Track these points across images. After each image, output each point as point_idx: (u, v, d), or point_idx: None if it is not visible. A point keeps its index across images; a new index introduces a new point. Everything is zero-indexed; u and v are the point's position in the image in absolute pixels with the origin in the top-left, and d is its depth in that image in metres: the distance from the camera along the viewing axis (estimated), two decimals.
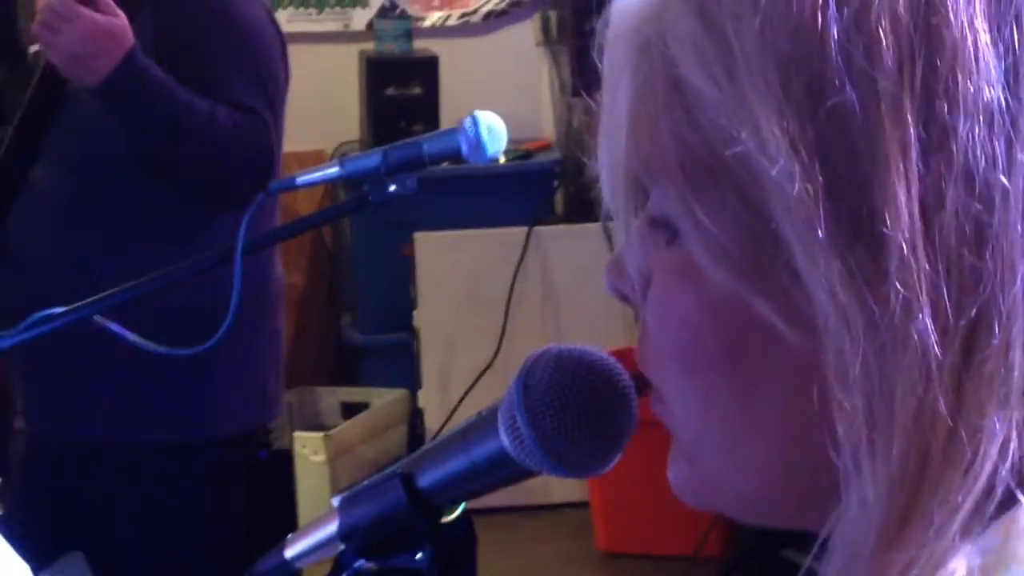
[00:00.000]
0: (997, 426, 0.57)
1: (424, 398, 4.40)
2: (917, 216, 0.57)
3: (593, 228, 4.38)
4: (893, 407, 0.58)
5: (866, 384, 0.58)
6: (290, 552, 0.90)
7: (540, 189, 4.63)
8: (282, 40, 2.71)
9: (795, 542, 3.14)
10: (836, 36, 0.58)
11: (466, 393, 4.34)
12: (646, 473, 3.91)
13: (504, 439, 0.79)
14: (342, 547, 0.87)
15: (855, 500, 0.58)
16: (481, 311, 4.43)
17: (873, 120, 0.58)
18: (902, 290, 0.57)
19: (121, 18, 2.40)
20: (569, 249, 4.44)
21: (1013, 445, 0.57)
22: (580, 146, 4.60)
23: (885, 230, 0.57)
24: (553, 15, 4.90)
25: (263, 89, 2.55)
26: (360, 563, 0.86)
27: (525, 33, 4.95)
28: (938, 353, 0.57)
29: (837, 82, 0.58)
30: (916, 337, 0.57)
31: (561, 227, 4.55)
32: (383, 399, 4.17)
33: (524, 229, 4.44)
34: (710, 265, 0.63)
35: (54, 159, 2.63)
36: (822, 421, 0.60)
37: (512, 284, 4.43)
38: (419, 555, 0.85)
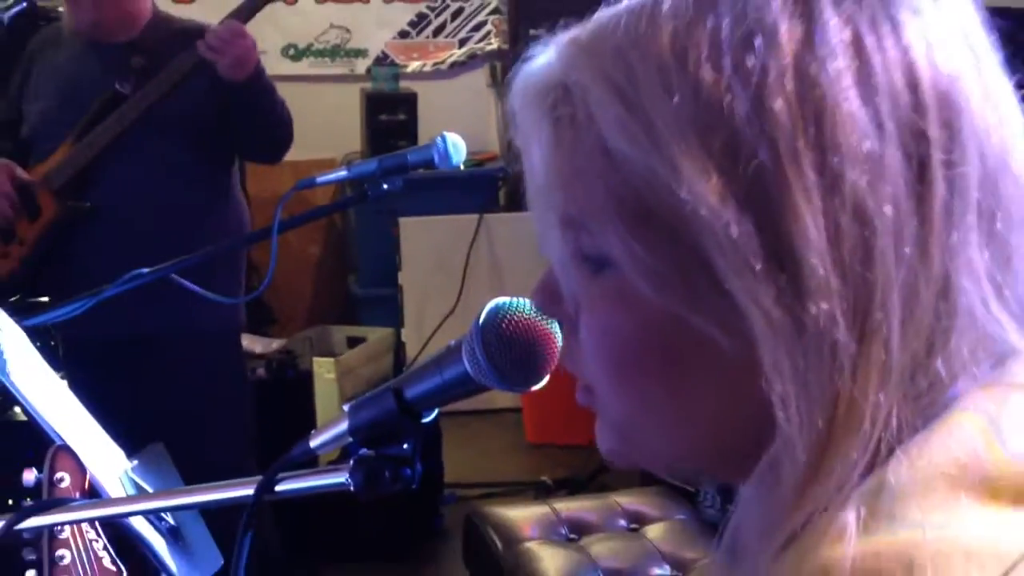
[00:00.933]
0: (882, 400, 0.54)
1: (405, 335, 4.38)
2: (824, 245, 0.53)
3: (523, 216, 4.37)
4: (813, 391, 0.54)
5: (795, 375, 0.54)
6: (313, 443, 0.88)
7: (488, 188, 4.61)
8: None
9: None
10: (742, 112, 0.54)
11: (434, 332, 4.33)
12: (562, 383, 3.92)
13: (466, 364, 0.78)
14: (350, 440, 0.86)
15: (786, 456, 0.55)
16: (446, 273, 4.41)
17: (781, 173, 0.53)
18: (820, 303, 0.53)
19: (253, 39, 2.52)
20: (509, 230, 4.42)
21: (893, 415, 0.54)
22: (516, 157, 4.58)
23: (802, 258, 0.53)
24: (499, 64, 4.88)
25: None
26: (363, 451, 0.85)
27: (479, 77, 4.92)
28: (843, 348, 0.54)
29: (749, 146, 0.54)
30: (829, 338, 0.54)
31: (503, 214, 4.54)
32: (376, 335, 4.15)
33: (476, 216, 4.42)
34: (650, 292, 0.57)
35: (139, 143, 2.60)
36: (749, 404, 0.56)
37: (468, 254, 4.42)
38: (405, 445, 0.84)
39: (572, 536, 2.33)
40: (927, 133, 0.54)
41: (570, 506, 2.43)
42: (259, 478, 0.91)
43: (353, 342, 4.09)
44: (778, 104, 0.53)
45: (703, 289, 0.55)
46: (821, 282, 0.53)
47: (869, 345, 0.53)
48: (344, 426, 0.85)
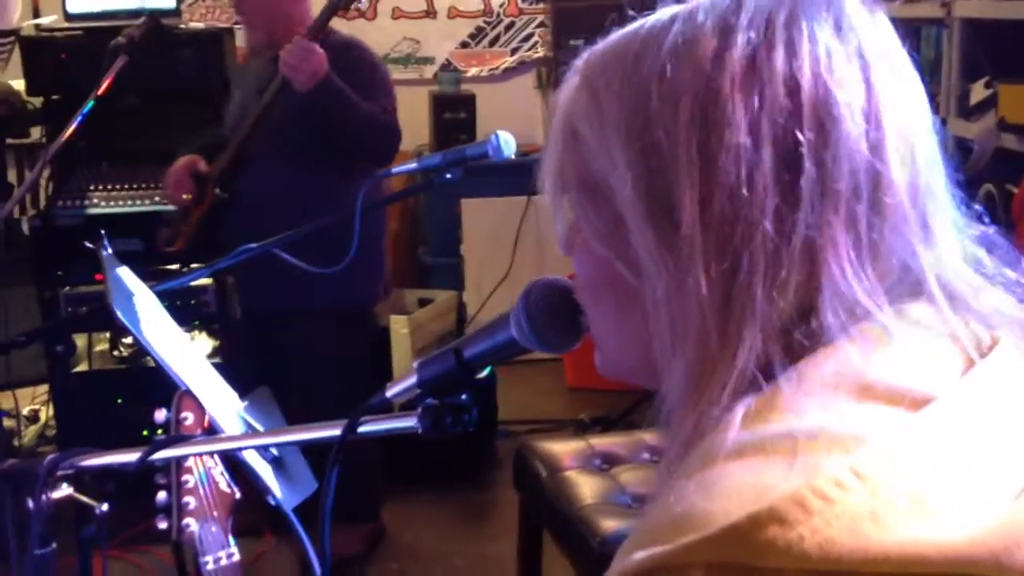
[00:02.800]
0: (748, 335, 0.56)
1: (466, 297, 4.38)
2: (696, 207, 0.57)
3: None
4: (685, 324, 0.58)
5: (668, 309, 0.58)
6: (388, 393, 0.90)
7: (534, 174, 4.58)
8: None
9: None
10: (656, 104, 0.58)
11: (490, 294, 4.35)
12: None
13: (513, 330, 0.80)
14: (418, 391, 0.87)
15: (668, 376, 0.60)
16: (500, 245, 4.40)
17: (673, 151, 0.58)
18: (685, 250, 0.57)
19: (323, 52, 2.47)
20: (551, 211, 4.41)
21: (758, 348, 0.56)
22: None
23: (679, 216, 0.58)
24: (544, 69, 4.84)
25: (395, 107, 2.66)
26: (429, 400, 0.86)
27: (528, 81, 4.87)
28: (706, 291, 0.57)
29: (652, 130, 0.58)
30: (695, 279, 0.57)
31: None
32: (442, 297, 4.16)
33: (525, 198, 4.39)
34: (592, 241, 0.64)
35: (268, 142, 2.63)
36: (649, 331, 0.61)
37: (518, 230, 4.40)
38: (464, 396, 0.86)
39: (604, 466, 2.34)
40: (799, 136, 0.56)
41: (603, 441, 2.44)
42: (345, 421, 0.93)
43: (423, 303, 4.11)
44: (682, 101, 0.57)
45: (621, 240, 0.61)
46: (689, 235, 0.57)
47: (735, 291, 0.57)
48: (413, 380, 0.87)
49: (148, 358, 3.47)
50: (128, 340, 3.47)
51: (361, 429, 0.92)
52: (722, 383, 0.56)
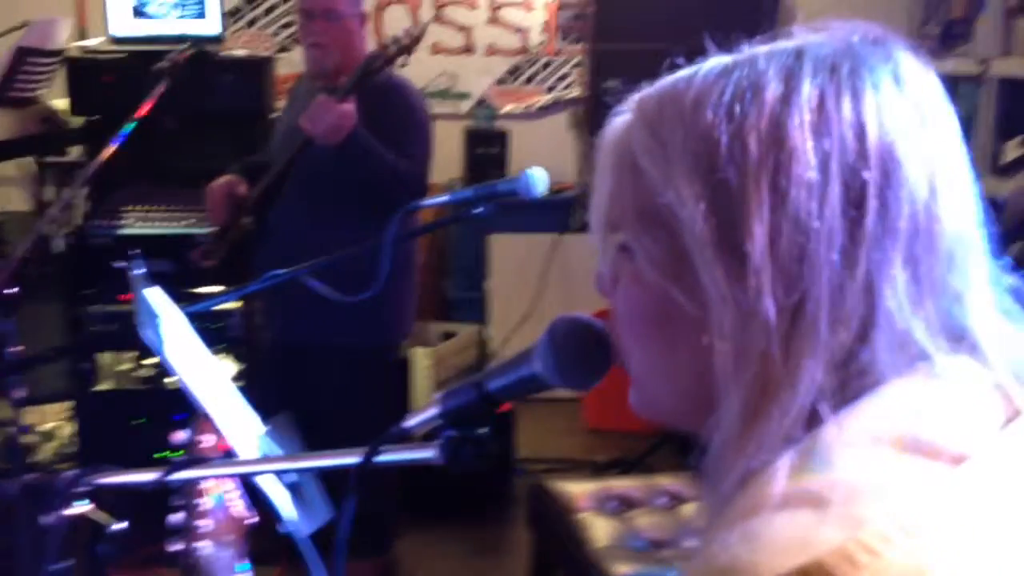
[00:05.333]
0: (811, 366, 0.58)
1: (489, 332, 4.38)
2: (766, 243, 0.59)
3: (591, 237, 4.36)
4: (749, 353, 0.59)
5: (734, 338, 0.59)
6: (409, 424, 0.90)
7: (564, 212, 4.60)
8: (430, 118, 2.74)
9: None
10: (724, 141, 0.61)
11: (514, 330, 4.32)
12: (616, 379, 3.91)
13: (537, 365, 0.79)
14: (440, 422, 0.87)
15: (724, 410, 0.60)
16: (525, 282, 4.40)
17: (742, 186, 0.60)
18: (753, 281, 0.59)
19: (352, 107, 2.44)
20: (579, 248, 4.41)
21: (819, 380, 0.58)
22: (587, 188, 4.57)
23: (748, 251, 0.59)
24: (579, 110, 4.86)
25: (426, 153, 2.60)
26: (449, 431, 0.86)
27: (562, 120, 4.88)
28: (774, 321, 0.58)
29: (723, 166, 0.60)
30: (763, 311, 0.59)
31: (575, 235, 4.51)
32: (465, 331, 4.16)
33: (553, 235, 4.41)
34: (648, 271, 0.65)
35: (298, 182, 2.65)
36: (706, 362, 0.61)
37: (545, 267, 4.41)
38: (485, 429, 0.85)
39: (620, 509, 2.32)
40: (865, 175, 0.59)
41: (619, 484, 2.42)
42: (365, 449, 0.93)
43: (446, 336, 4.12)
44: (752, 140, 0.60)
45: (683, 270, 0.62)
46: (758, 269, 0.58)
47: (800, 324, 0.58)
48: (436, 410, 0.87)
49: (170, 379, 3.49)
50: (151, 361, 3.50)
51: (380, 457, 0.92)
52: (782, 412, 0.58)
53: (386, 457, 0.92)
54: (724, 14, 4.21)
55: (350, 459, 0.95)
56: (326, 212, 2.65)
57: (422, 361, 3.82)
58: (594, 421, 4.16)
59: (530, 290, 4.39)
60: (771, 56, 0.63)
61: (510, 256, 4.44)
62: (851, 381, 0.58)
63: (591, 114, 4.71)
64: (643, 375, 0.69)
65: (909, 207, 0.60)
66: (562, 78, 4.91)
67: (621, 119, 0.69)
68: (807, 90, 0.60)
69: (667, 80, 0.67)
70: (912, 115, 0.62)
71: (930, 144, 0.62)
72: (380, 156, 2.52)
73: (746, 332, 0.59)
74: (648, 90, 0.68)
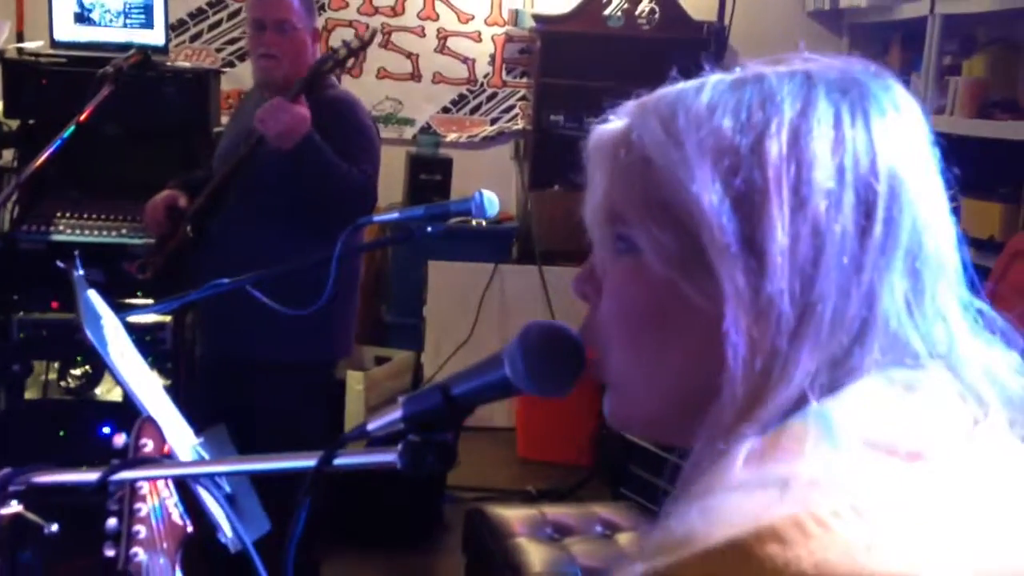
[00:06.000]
0: (808, 363, 0.61)
1: (424, 358, 4.36)
2: (786, 243, 0.62)
3: (531, 268, 4.40)
4: (757, 343, 0.61)
5: (748, 331, 0.61)
6: (370, 427, 0.87)
7: (504, 243, 4.62)
8: (379, 137, 2.72)
9: (639, 459, 3.15)
10: (745, 147, 0.64)
11: (449, 358, 4.34)
12: (550, 409, 3.89)
13: (506, 369, 0.77)
14: (402, 426, 0.85)
15: (728, 395, 0.62)
16: (463, 310, 4.40)
17: (764, 189, 0.63)
18: (774, 283, 0.61)
19: (306, 111, 2.42)
20: (518, 279, 4.44)
21: (812, 375, 0.61)
22: (528, 219, 4.61)
23: (767, 250, 0.62)
24: (521, 142, 4.92)
25: (376, 169, 2.59)
26: (412, 436, 0.84)
27: (505, 151, 4.94)
28: (785, 319, 0.61)
29: (747, 169, 0.63)
30: (776, 309, 0.61)
31: (514, 266, 4.54)
32: (400, 356, 4.14)
33: (492, 264, 4.42)
34: (657, 263, 0.66)
35: (243, 190, 2.62)
36: (711, 358, 0.63)
37: (482, 296, 4.42)
38: (449, 434, 0.83)
39: (555, 536, 2.32)
40: (876, 188, 0.63)
41: (555, 511, 2.42)
42: (320, 452, 0.91)
43: (380, 360, 4.09)
44: (773, 146, 0.63)
45: (695, 265, 0.64)
46: (776, 269, 0.61)
47: (807, 321, 0.61)
48: (398, 414, 0.84)
49: (96, 391, 3.40)
50: (77, 372, 3.40)
51: (337, 461, 0.90)
52: (775, 406, 0.60)
53: (344, 460, 0.90)
54: (667, 54, 4.31)
55: (305, 462, 0.93)
56: (270, 223, 2.61)
57: (355, 385, 3.78)
58: (526, 451, 4.16)
59: (467, 318, 4.38)
60: (780, 76, 0.66)
61: (448, 284, 4.44)
62: (840, 379, 0.61)
63: (534, 146, 4.77)
64: (627, 377, 0.69)
65: (911, 223, 0.64)
66: (507, 110, 4.95)
67: (613, 124, 0.70)
68: (823, 106, 0.64)
69: (666, 90, 0.69)
70: (910, 141, 0.66)
71: (924, 170, 0.66)
72: (334, 163, 2.48)
73: (759, 328, 0.61)
74: (645, 98, 0.70)
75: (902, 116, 0.66)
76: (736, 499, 0.55)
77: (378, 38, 4.78)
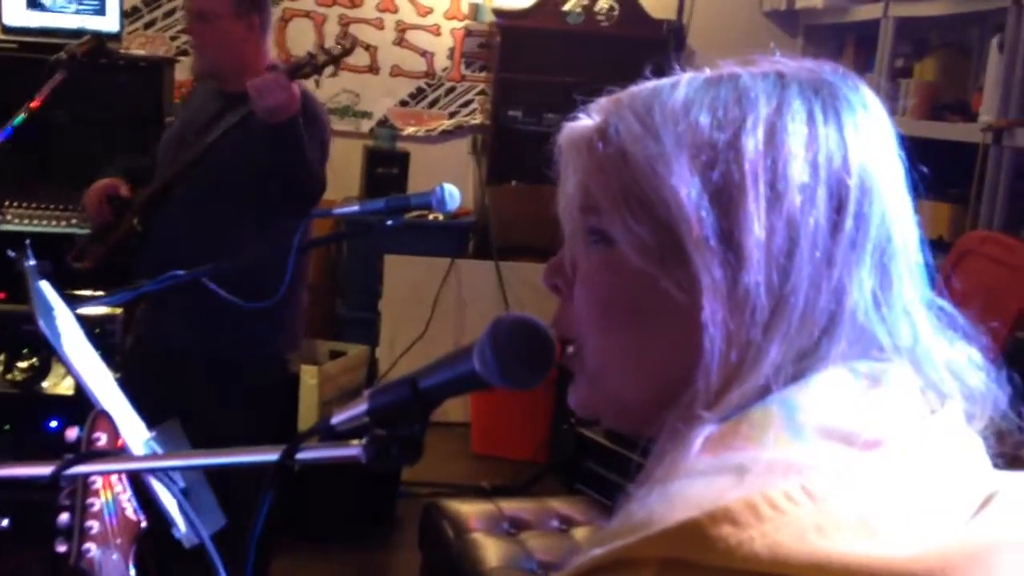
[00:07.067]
0: (777, 354, 0.62)
1: (379, 353, 4.34)
2: (763, 237, 0.63)
3: (487, 264, 4.40)
4: (736, 335, 0.62)
5: (724, 322, 0.62)
6: (334, 420, 0.85)
7: (461, 237, 4.61)
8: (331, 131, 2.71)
9: (593, 454, 3.16)
10: (722, 142, 0.64)
11: (404, 352, 4.32)
12: (505, 404, 3.89)
13: (476, 362, 0.75)
14: (367, 419, 0.83)
15: (702, 385, 0.63)
16: (418, 305, 4.38)
17: (741, 184, 0.63)
18: (750, 276, 0.62)
19: (299, 91, 2.40)
20: (474, 273, 4.43)
21: (779, 366, 0.62)
22: (485, 214, 4.60)
23: (744, 243, 0.63)
24: (479, 137, 4.90)
25: (325, 157, 2.57)
26: (377, 430, 0.82)
27: (463, 145, 4.92)
28: (760, 311, 0.62)
29: (724, 164, 0.64)
30: (751, 302, 0.62)
31: (471, 260, 4.53)
32: (354, 351, 4.11)
33: (449, 259, 4.41)
34: (633, 256, 0.66)
35: (195, 180, 2.58)
36: (687, 350, 0.64)
37: (438, 291, 4.40)
38: (415, 428, 0.81)
39: (512, 531, 2.32)
40: (848, 183, 0.64)
41: (512, 506, 2.42)
42: (284, 446, 0.89)
43: (335, 355, 4.06)
44: (750, 142, 0.64)
45: (672, 257, 0.64)
46: (753, 261, 0.62)
47: (780, 313, 0.62)
48: (364, 407, 0.83)
49: (43, 384, 3.33)
50: (23, 364, 3.33)
51: (300, 455, 0.89)
52: (742, 394, 0.61)
53: (307, 455, 0.89)
54: (626, 51, 4.34)
55: (268, 456, 0.92)
56: (221, 214, 2.57)
57: (309, 380, 3.75)
58: (480, 447, 4.15)
59: (423, 313, 4.37)
60: (753, 75, 0.67)
61: (404, 278, 4.42)
62: (806, 370, 0.62)
63: (493, 141, 4.76)
64: (601, 367, 0.69)
65: (880, 218, 0.65)
66: (465, 104, 4.94)
67: (584, 120, 0.71)
68: (797, 105, 0.66)
69: (641, 86, 0.70)
70: (879, 140, 0.67)
71: (891, 168, 0.67)
72: (306, 149, 2.48)
73: (735, 320, 0.62)
74: (617, 94, 0.70)
75: (871, 116, 0.68)
76: (696, 484, 0.57)
77: (337, 32, 4.74)
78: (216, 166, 2.54)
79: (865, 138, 0.66)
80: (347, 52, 2.55)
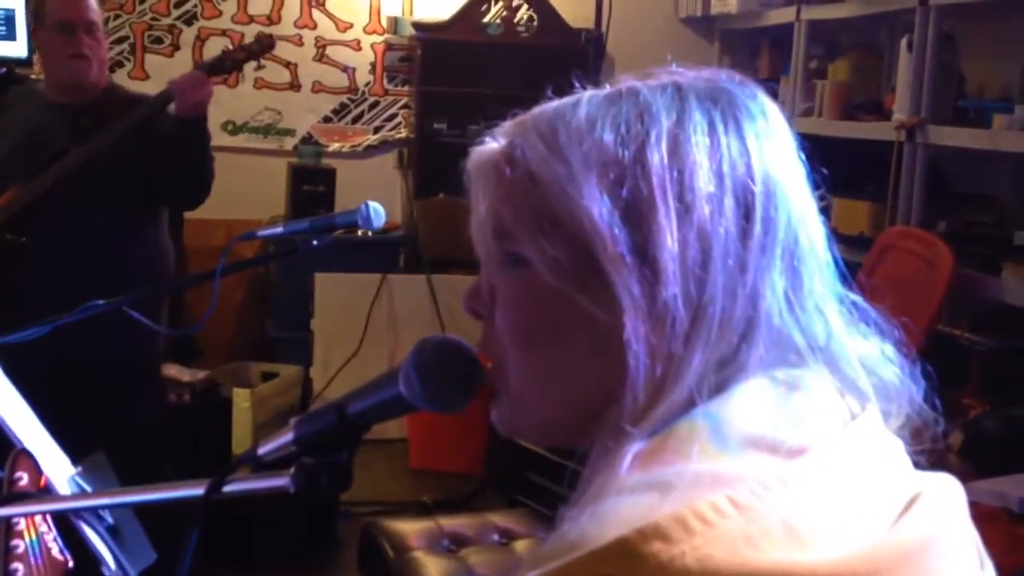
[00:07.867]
0: (699, 364, 0.62)
1: (313, 373, 4.29)
2: (676, 250, 0.63)
3: (419, 278, 4.38)
4: (658, 349, 0.63)
5: (647, 338, 0.63)
6: (260, 451, 0.84)
7: (391, 252, 4.59)
8: None
9: (533, 465, 3.16)
10: (628, 159, 0.65)
11: (338, 371, 4.27)
12: (443, 419, 3.86)
13: (401, 386, 0.75)
14: (294, 448, 0.82)
15: (629, 400, 0.63)
16: (351, 322, 4.34)
17: (651, 198, 0.64)
18: (668, 289, 0.63)
19: (213, 90, 2.56)
20: (406, 288, 4.40)
21: (701, 376, 0.63)
22: (414, 228, 4.59)
23: (659, 257, 0.63)
24: (405, 151, 4.89)
25: None
26: (305, 459, 0.81)
27: (388, 160, 4.90)
28: (680, 323, 0.63)
29: (632, 181, 0.64)
30: (671, 315, 0.63)
31: (402, 275, 4.51)
32: (287, 372, 4.06)
33: (379, 275, 4.38)
34: (551, 278, 0.66)
35: (81, 182, 2.54)
36: (609, 366, 0.64)
37: (370, 307, 4.37)
38: (344, 454, 0.81)
39: (452, 548, 2.31)
40: (753, 190, 0.65)
41: (451, 522, 2.41)
42: (208, 480, 0.88)
43: (267, 376, 4.00)
44: (655, 156, 0.64)
45: (589, 276, 0.64)
46: (670, 275, 0.63)
47: (700, 323, 0.63)
48: (290, 436, 0.82)
49: None
50: None
51: (227, 488, 0.87)
52: (668, 407, 0.61)
53: (233, 488, 0.87)
54: (546, 61, 4.36)
55: (192, 491, 0.90)
56: (113, 215, 2.57)
57: (242, 403, 3.69)
58: (419, 462, 4.13)
59: (356, 331, 4.33)
60: (652, 89, 0.68)
61: (336, 296, 4.37)
62: (728, 379, 0.63)
63: (418, 155, 4.75)
64: (525, 387, 0.69)
65: (786, 222, 0.66)
66: (389, 118, 4.92)
67: (491, 144, 0.71)
68: (697, 116, 0.66)
69: (543, 107, 0.70)
70: (779, 144, 0.68)
71: (793, 171, 0.69)
72: (211, 155, 2.59)
73: (657, 334, 0.63)
74: (521, 117, 0.71)
75: (769, 122, 0.69)
76: (625, 501, 0.57)
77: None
78: (105, 168, 2.52)
79: (766, 144, 0.67)
80: (266, 48, 2.64)
